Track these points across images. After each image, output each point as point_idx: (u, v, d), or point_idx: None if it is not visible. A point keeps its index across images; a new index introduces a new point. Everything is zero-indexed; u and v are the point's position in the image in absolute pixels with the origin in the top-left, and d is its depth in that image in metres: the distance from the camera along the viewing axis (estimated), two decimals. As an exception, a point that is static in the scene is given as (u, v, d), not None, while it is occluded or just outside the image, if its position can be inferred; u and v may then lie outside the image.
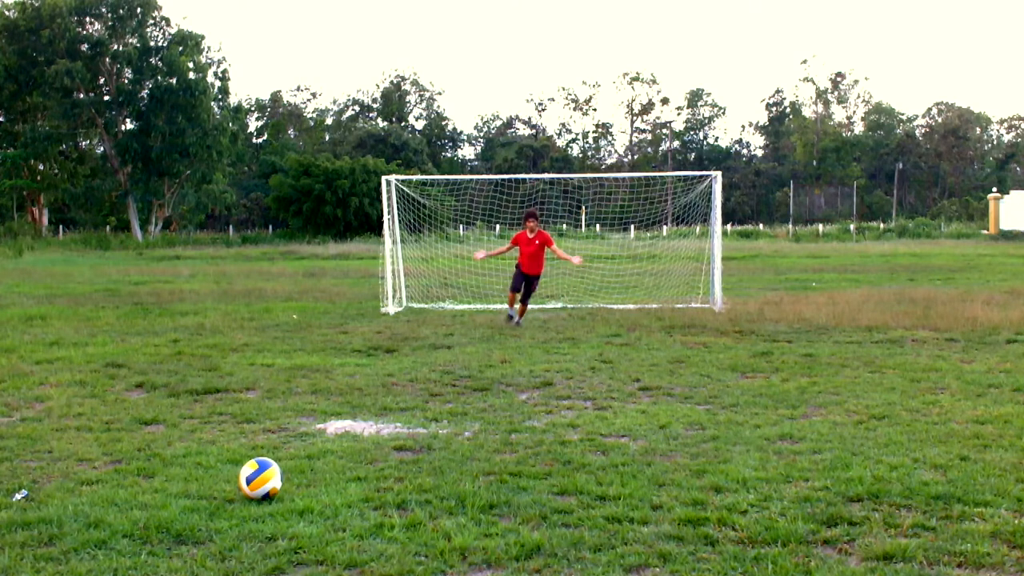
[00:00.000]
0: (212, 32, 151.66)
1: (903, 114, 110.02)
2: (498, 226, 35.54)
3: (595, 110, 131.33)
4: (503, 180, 28.18)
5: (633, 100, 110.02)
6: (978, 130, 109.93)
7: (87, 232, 61.78)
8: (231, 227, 76.26)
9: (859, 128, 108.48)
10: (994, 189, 75.28)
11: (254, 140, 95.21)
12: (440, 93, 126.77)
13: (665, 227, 33.66)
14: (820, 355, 11.15)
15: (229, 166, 71.75)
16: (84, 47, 62.00)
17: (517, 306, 15.08)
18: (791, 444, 6.86)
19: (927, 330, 13.26)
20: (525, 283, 15.03)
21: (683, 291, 18.84)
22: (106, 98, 63.07)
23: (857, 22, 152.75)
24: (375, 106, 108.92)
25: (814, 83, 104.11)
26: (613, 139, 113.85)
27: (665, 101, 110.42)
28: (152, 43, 63.26)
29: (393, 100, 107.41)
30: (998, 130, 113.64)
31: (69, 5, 60.06)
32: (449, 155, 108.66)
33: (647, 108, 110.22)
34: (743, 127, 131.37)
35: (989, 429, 7.22)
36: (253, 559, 4.68)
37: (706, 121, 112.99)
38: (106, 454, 6.74)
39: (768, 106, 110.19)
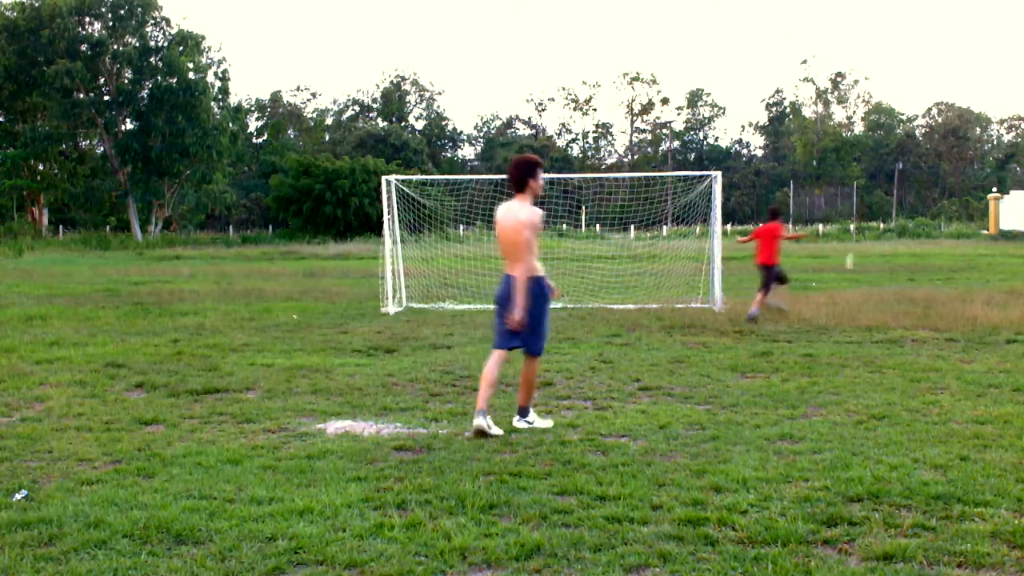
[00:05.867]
0: (212, 32, 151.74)
1: (903, 114, 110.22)
2: (498, 226, 35.44)
3: (595, 110, 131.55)
4: (503, 180, 28.10)
5: (633, 100, 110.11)
6: (978, 130, 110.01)
7: (87, 232, 61.79)
8: (231, 227, 76.28)
9: (859, 128, 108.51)
10: (994, 189, 75.29)
11: (254, 140, 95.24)
12: (440, 93, 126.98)
13: (665, 227, 33.63)
14: (820, 355, 11.14)
15: (229, 166, 71.81)
16: (84, 47, 62.01)
17: None
18: (791, 444, 6.85)
19: (927, 330, 13.25)
20: None
21: (683, 291, 18.84)
22: (106, 98, 63.08)
23: (857, 22, 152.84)
24: (375, 106, 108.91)
25: (814, 83, 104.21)
26: (613, 139, 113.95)
27: (665, 101, 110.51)
28: (152, 43, 63.30)
29: (393, 100, 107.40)
30: (998, 130, 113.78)
31: (69, 5, 60.05)
32: (449, 155, 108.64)
33: (647, 108, 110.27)
34: (743, 127, 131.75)
35: (989, 429, 7.21)
36: (253, 559, 4.68)
37: (706, 121, 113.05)
38: (106, 454, 6.74)
39: (768, 106, 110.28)
